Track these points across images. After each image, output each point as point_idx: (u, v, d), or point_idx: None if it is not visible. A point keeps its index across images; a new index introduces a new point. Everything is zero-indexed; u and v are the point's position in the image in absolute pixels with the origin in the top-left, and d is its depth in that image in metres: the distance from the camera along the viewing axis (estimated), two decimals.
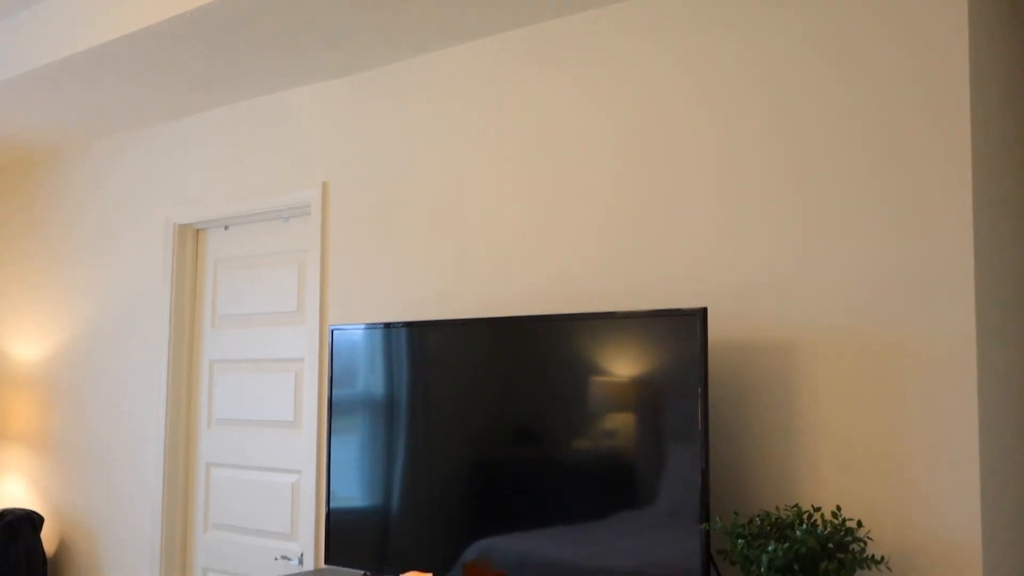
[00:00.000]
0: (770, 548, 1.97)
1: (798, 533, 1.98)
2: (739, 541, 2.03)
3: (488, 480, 2.52)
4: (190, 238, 3.76)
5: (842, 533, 2.02)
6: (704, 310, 2.18)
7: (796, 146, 2.33)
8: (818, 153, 2.30)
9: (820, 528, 2.01)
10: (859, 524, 2.04)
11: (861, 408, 2.19)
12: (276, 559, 3.35)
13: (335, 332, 2.89)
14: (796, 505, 2.14)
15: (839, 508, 2.07)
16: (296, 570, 3.20)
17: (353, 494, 2.80)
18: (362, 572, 2.76)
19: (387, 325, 2.75)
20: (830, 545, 2.00)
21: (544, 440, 2.41)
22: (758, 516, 2.14)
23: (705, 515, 2.13)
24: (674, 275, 2.49)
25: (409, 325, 2.70)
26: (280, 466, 3.40)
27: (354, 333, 2.84)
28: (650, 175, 2.56)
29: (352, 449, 2.81)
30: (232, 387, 3.60)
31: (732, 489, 2.35)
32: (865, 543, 2.07)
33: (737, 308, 2.38)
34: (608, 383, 2.31)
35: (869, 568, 2.04)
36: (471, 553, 2.52)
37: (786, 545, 1.96)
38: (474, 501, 2.54)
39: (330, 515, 2.84)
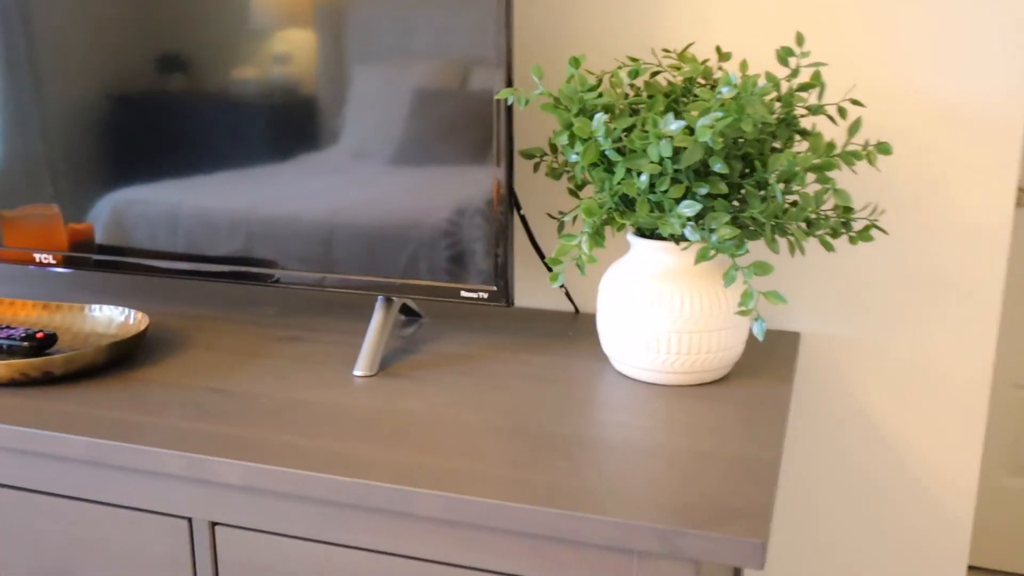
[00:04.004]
0: (671, 126, 0.85)
1: (723, 91, 0.87)
2: (596, 121, 0.88)
3: (143, 109, 1.18)
4: None
5: (791, 93, 0.94)
6: None
7: None
8: None
9: (757, 84, 0.90)
10: (818, 78, 0.96)
11: None
12: None
13: None
14: (689, 46, 1.02)
15: (802, 37, 0.95)
16: None
17: None
18: None
19: None
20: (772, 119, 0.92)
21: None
22: (620, 67, 1.00)
23: (507, 76, 0.96)
24: None
25: None
26: None
27: None
28: None
29: None
30: None
31: (548, 35, 1.18)
32: (844, 111, 1.02)
33: None
34: None
35: (855, 162, 0.99)
36: (104, 208, 1.24)
37: (718, 115, 0.84)
38: (110, 143, 1.21)
39: None
